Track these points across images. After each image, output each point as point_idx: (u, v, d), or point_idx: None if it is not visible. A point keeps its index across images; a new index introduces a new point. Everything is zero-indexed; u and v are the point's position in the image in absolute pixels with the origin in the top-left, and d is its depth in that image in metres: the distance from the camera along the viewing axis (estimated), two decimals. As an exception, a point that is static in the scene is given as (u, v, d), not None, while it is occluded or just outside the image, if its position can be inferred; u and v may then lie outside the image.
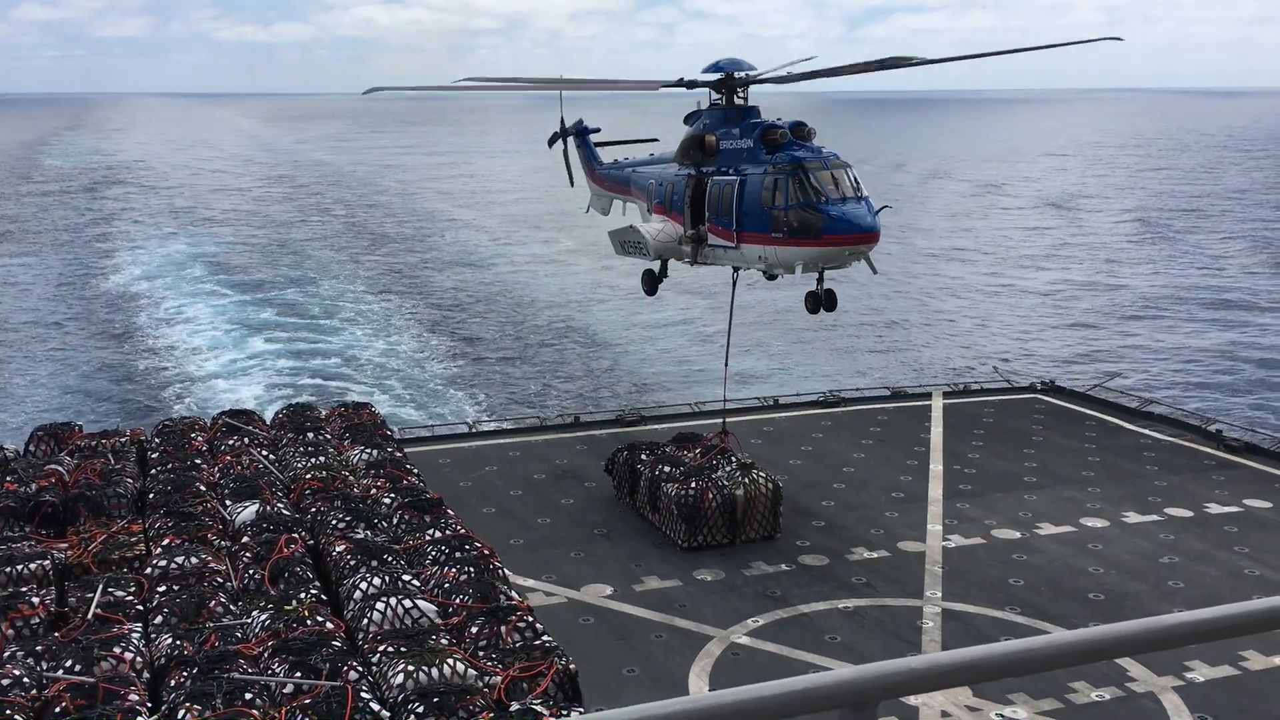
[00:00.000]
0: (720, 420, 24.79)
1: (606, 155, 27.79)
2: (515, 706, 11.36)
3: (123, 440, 20.42)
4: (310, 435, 20.65)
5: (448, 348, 64.16)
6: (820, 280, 21.21)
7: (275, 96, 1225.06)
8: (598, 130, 28.03)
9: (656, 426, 27.61)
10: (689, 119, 24.01)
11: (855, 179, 20.55)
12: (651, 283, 25.25)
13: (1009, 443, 26.93)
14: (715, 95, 23.30)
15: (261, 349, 62.67)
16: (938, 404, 30.29)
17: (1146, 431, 27.88)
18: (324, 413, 22.70)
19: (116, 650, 12.09)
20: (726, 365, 25.05)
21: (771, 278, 23.17)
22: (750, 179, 21.31)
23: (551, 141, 28.17)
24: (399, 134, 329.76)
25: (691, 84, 23.37)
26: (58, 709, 10.93)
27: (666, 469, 21.40)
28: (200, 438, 20.60)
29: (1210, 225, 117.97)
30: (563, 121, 27.47)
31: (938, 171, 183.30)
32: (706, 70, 23.11)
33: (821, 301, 21.47)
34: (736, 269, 23.31)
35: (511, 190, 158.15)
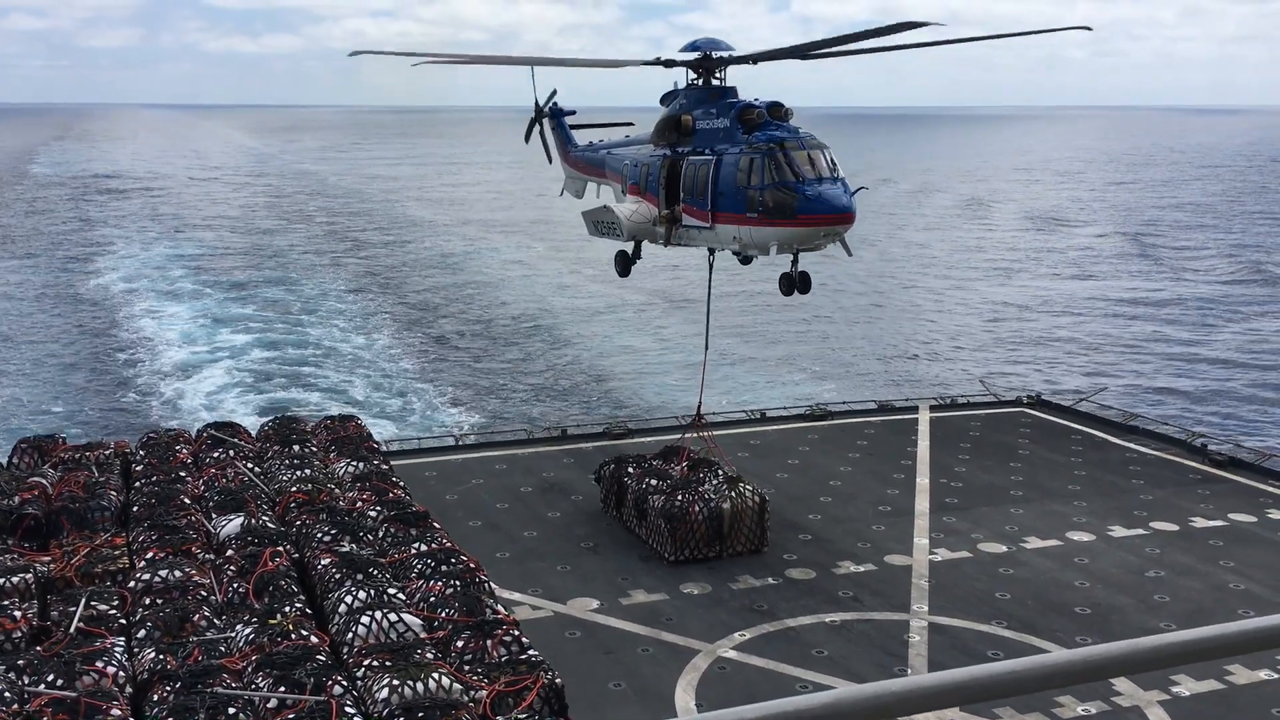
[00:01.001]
0: (696, 406, 24.75)
1: (582, 138, 27.61)
2: (501, 721, 11.30)
3: (107, 452, 20.30)
4: (296, 448, 20.55)
5: (424, 349, 64.24)
6: (795, 262, 20.95)
7: (264, 108, 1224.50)
8: (573, 113, 27.85)
9: (643, 439, 27.59)
10: (665, 99, 23.83)
11: (832, 160, 20.31)
12: (624, 264, 25.05)
13: (995, 457, 26.98)
14: (693, 75, 23.11)
15: (242, 352, 63.01)
16: (924, 418, 30.35)
17: (1132, 446, 27.96)
18: (310, 425, 22.61)
19: (99, 665, 11.99)
20: (706, 349, 24.96)
21: (745, 261, 23.02)
22: (726, 159, 21.10)
23: (530, 130, 27.75)
24: (389, 145, 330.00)
25: (668, 63, 23.13)
26: (39, 724, 10.84)
27: (653, 482, 21.36)
28: (185, 450, 20.49)
29: (1195, 240, 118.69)
30: (537, 103, 27.31)
31: (925, 186, 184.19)
32: (684, 50, 22.91)
33: (795, 284, 21.22)
34: (711, 251, 23.11)
35: (496, 197, 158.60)
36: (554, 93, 27.31)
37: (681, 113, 22.72)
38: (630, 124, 27.02)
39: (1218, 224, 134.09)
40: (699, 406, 24.56)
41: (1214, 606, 18.71)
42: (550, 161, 27.78)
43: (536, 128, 27.45)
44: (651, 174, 23.26)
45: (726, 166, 21.04)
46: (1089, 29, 22.74)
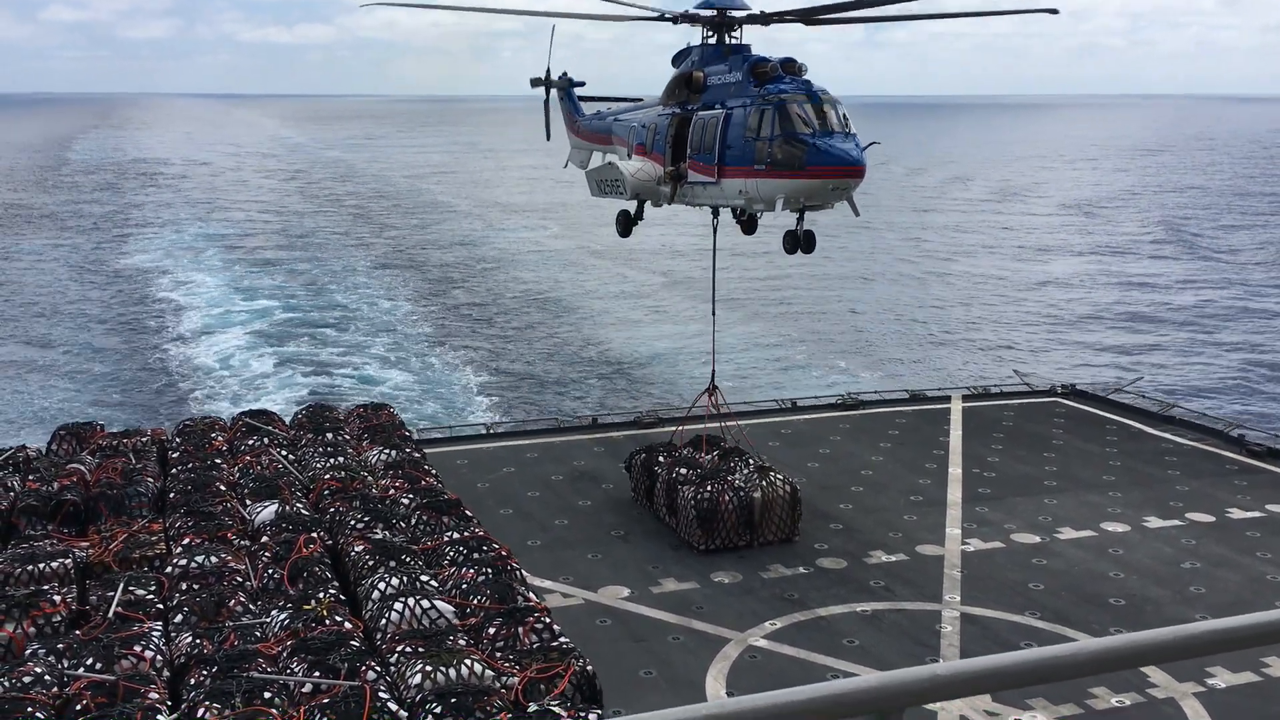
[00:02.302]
0: (710, 376, 24.53)
1: (591, 110, 27.38)
2: (533, 708, 11.36)
3: (144, 440, 20.54)
4: (329, 435, 20.73)
5: (446, 324, 64.55)
6: (800, 220, 20.57)
7: (298, 98, 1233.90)
8: (583, 84, 27.63)
9: (674, 428, 27.55)
10: (677, 59, 23.49)
11: (844, 115, 19.89)
12: (626, 224, 24.79)
13: (1029, 446, 26.78)
14: (706, 34, 22.70)
15: (268, 322, 64.23)
16: (957, 407, 30.16)
17: (1168, 436, 27.67)
18: (343, 413, 22.79)
19: (137, 649, 12.16)
20: (714, 314, 24.70)
21: (749, 229, 22.55)
22: (735, 112, 20.72)
23: (534, 84, 27.61)
24: (419, 134, 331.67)
25: (677, 19, 22.61)
26: (78, 707, 11.01)
27: (683, 471, 21.36)
28: (220, 437, 20.70)
29: (1229, 228, 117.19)
30: (548, 72, 27.02)
31: (958, 175, 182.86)
32: (699, 7, 22.51)
33: (800, 242, 20.85)
34: (715, 212, 22.79)
35: (521, 184, 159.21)
36: (564, 74, 27.20)
37: (693, 70, 22.43)
38: (639, 99, 26.70)
39: (1256, 210, 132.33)
40: (712, 375, 24.33)
41: (1251, 598, 18.51)
42: (549, 139, 27.54)
43: (545, 99, 27.16)
44: (659, 133, 22.98)
45: (735, 120, 20.64)
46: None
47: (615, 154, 25.33)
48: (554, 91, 27.55)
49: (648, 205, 24.41)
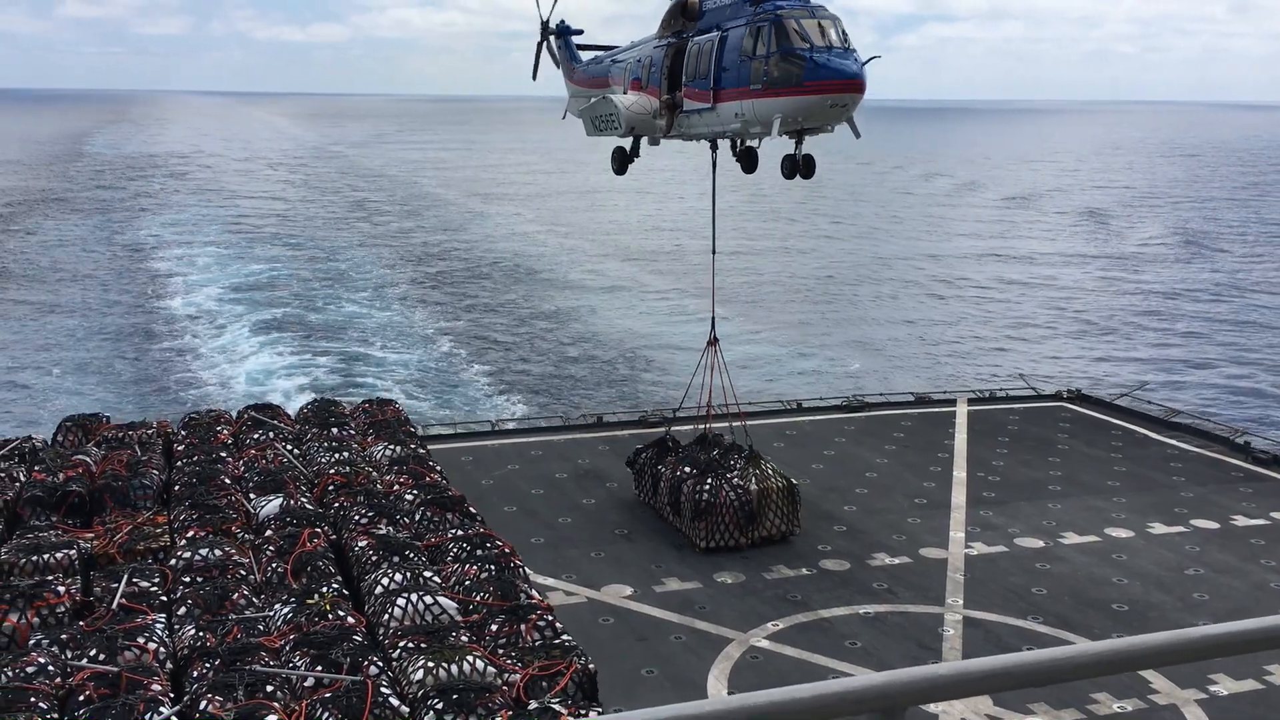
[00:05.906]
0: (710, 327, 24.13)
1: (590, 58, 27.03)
2: (534, 705, 11.38)
3: (149, 432, 20.57)
4: (334, 431, 20.75)
5: (463, 332, 64.63)
6: (799, 144, 20.03)
7: (310, 96, 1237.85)
8: (580, 32, 27.11)
9: (679, 427, 27.53)
10: None
11: (843, 31, 19.16)
12: (622, 161, 24.13)
13: (1034, 451, 26.75)
14: None
15: (286, 332, 64.03)
16: (962, 410, 30.13)
17: (1173, 442, 27.62)
18: (348, 408, 22.81)
19: (140, 640, 12.19)
20: (714, 256, 24.24)
21: (749, 166, 21.87)
22: (731, 33, 20.14)
23: (538, 57, 26.91)
24: (432, 132, 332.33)
25: None
26: (81, 698, 11.04)
27: (687, 469, 21.35)
28: (226, 431, 20.73)
29: (1238, 234, 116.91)
30: (545, 21, 26.41)
31: (967, 178, 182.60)
32: None
33: (799, 167, 20.30)
34: (714, 147, 22.34)
35: (532, 181, 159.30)
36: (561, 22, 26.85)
37: None
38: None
39: (1268, 218, 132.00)
40: (712, 325, 24.02)
41: (1254, 605, 18.46)
42: (535, 79, 27.04)
43: (539, 43, 26.77)
44: (655, 65, 22.47)
45: (731, 41, 20.05)
46: None
47: (613, 94, 24.89)
48: (551, 39, 27.03)
49: (644, 143, 23.86)
